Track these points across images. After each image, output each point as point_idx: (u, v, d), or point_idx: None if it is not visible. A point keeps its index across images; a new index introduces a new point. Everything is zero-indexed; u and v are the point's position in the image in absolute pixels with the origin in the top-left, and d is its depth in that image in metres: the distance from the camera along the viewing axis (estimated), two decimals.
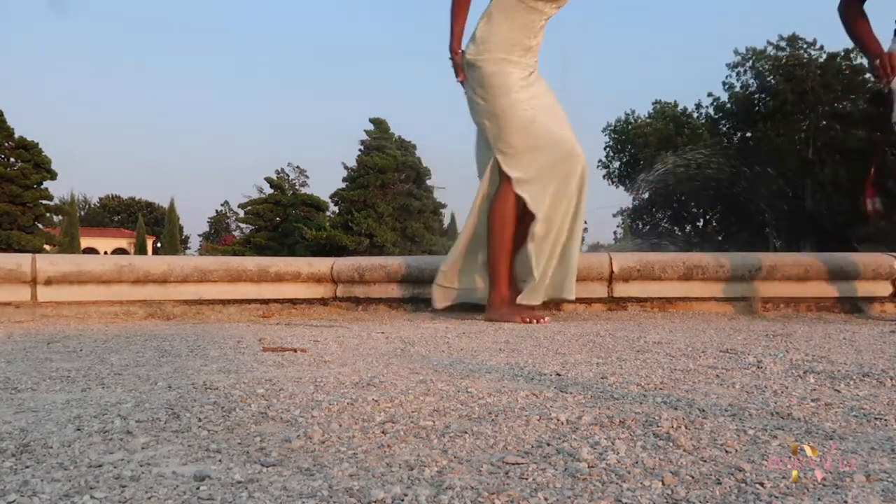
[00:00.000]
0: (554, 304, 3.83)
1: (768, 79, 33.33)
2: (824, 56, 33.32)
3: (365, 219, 29.44)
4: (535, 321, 3.01)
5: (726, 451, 0.94)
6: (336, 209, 32.88)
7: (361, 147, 32.03)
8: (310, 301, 4.04)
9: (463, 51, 3.29)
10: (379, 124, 32.30)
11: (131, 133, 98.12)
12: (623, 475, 0.83)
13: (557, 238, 3.21)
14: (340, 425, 1.09)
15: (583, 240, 3.42)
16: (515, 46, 3.20)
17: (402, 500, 0.75)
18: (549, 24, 3.28)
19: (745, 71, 35.06)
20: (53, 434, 1.04)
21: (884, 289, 3.84)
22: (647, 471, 0.85)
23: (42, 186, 32.17)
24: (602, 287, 3.83)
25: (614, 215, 37.03)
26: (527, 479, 0.83)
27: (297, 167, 41.05)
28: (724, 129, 31.22)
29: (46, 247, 31.65)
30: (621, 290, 3.82)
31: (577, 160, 3.20)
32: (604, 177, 35.06)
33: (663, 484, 0.80)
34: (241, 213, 38.65)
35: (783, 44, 34.26)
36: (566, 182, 3.18)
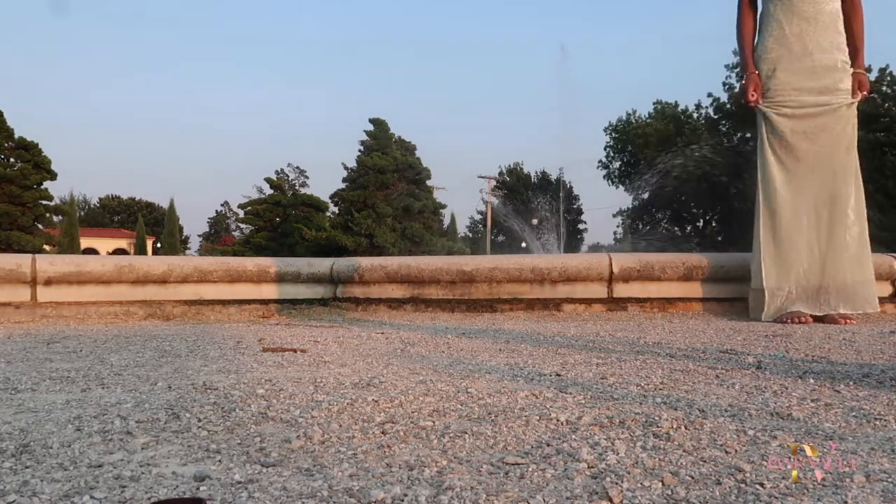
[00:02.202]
0: (554, 305, 3.84)
1: None
2: None
3: (365, 219, 29.41)
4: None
5: (726, 452, 0.94)
6: (336, 210, 32.87)
7: (361, 148, 32.04)
8: (310, 301, 4.04)
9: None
10: (379, 124, 32.29)
11: (131, 133, 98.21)
12: (623, 475, 0.83)
13: None
14: (340, 425, 1.09)
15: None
16: None
17: (402, 501, 0.75)
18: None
19: None
20: (53, 434, 1.04)
21: (884, 289, 3.84)
22: (647, 471, 0.85)
23: (42, 187, 32.16)
24: (602, 287, 3.83)
25: (614, 215, 37.04)
26: (526, 479, 0.83)
27: (297, 168, 41.08)
28: (725, 129, 31.18)
29: (46, 247, 31.64)
30: (621, 290, 3.82)
31: None
32: (604, 177, 35.01)
33: (663, 484, 0.80)
34: (241, 214, 38.63)
35: None
36: None
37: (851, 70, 3.30)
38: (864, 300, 3.27)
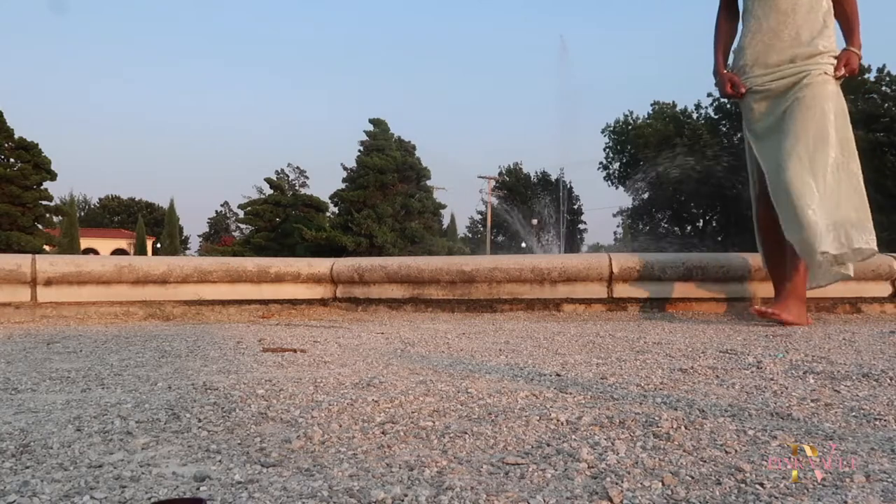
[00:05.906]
0: (554, 305, 3.84)
1: None
2: None
3: (365, 219, 29.44)
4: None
5: (726, 452, 0.94)
6: (336, 210, 32.89)
7: (361, 148, 32.05)
8: (309, 302, 4.04)
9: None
10: (379, 125, 32.29)
11: (131, 133, 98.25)
12: (623, 475, 0.83)
13: None
14: (340, 426, 1.09)
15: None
16: None
17: (402, 501, 0.75)
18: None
19: None
20: (53, 434, 1.04)
21: (884, 289, 3.84)
22: (647, 471, 0.85)
23: (42, 187, 32.19)
24: (602, 287, 3.83)
25: (614, 215, 37.10)
26: (527, 479, 0.83)
27: (297, 168, 41.09)
28: (724, 129, 31.18)
29: (46, 247, 31.66)
30: (621, 290, 3.82)
31: None
32: (604, 178, 35.05)
33: (663, 484, 0.80)
34: (241, 214, 38.65)
35: None
36: None
37: (838, 52, 3.19)
38: (872, 237, 3.11)
